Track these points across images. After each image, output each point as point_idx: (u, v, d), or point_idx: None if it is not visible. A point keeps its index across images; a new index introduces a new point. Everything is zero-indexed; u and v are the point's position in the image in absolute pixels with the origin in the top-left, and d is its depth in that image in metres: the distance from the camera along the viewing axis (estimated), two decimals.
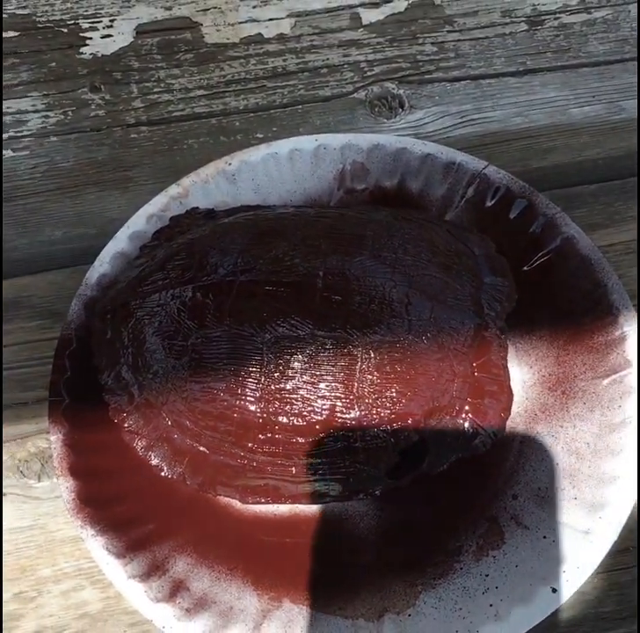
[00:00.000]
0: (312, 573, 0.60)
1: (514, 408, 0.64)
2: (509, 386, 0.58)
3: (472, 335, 0.58)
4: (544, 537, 0.59)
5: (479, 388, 0.58)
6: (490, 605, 0.56)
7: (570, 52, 0.84)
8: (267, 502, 0.59)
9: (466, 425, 0.57)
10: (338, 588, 0.59)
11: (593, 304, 0.66)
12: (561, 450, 0.62)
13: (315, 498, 0.58)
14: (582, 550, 0.57)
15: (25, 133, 0.82)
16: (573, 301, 0.67)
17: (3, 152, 0.80)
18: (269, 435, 0.56)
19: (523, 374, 0.67)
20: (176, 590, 0.58)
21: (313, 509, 0.62)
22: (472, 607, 0.57)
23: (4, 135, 0.81)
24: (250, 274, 0.58)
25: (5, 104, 0.83)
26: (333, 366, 0.55)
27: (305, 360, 0.55)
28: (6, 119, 0.82)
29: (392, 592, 0.58)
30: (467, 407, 0.57)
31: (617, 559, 0.61)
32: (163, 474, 0.59)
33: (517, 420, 0.64)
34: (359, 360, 0.55)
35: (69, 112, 0.83)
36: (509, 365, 0.64)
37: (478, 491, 0.62)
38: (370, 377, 0.55)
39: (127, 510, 0.61)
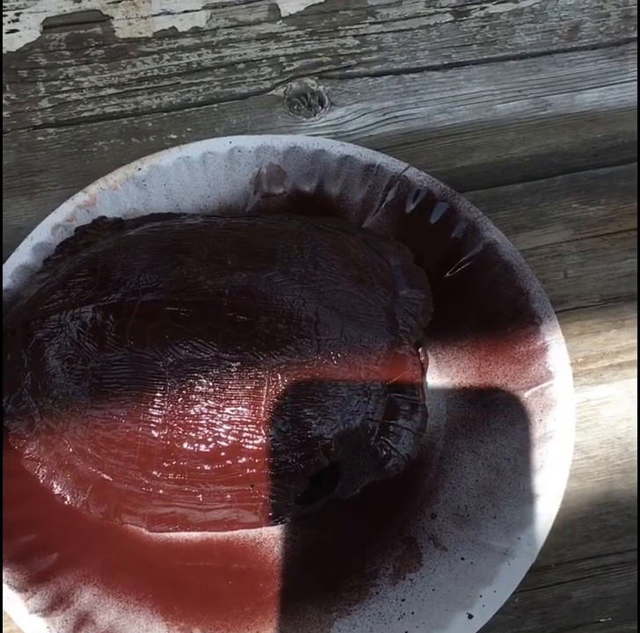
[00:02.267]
0: (225, 600, 0.59)
1: (434, 422, 0.63)
2: (424, 405, 0.57)
3: (385, 353, 0.57)
4: (462, 559, 0.58)
5: (392, 408, 0.56)
6: (406, 632, 0.56)
7: (497, 44, 0.83)
8: (175, 530, 0.57)
9: (379, 447, 0.56)
10: (252, 616, 0.58)
11: (515, 313, 0.65)
12: (481, 466, 0.62)
13: (224, 525, 0.57)
14: (500, 573, 0.57)
15: None
16: (495, 309, 0.66)
17: None
18: (174, 463, 0.55)
19: (444, 386, 0.66)
20: (80, 624, 0.56)
21: (226, 534, 0.61)
22: None
23: None
24: (152, 294, 0.56)
25: None
26: (239, 389, 0.54)
27: (209, 384, 0.54)
28: None
29: (306, 619, 0.57)
30: (379, 428, 0.56)
31: (538, 577, 0.61)
32: (66, 503, 0.58)
33: (437, 435, 0.64)
34: (265, 383, 0.54)
35: None
36: (430, 377, 0.63)
37: (395, 511, 0.61)
38: (277, 401, 0.54)
39: (32, 540, 0.59)
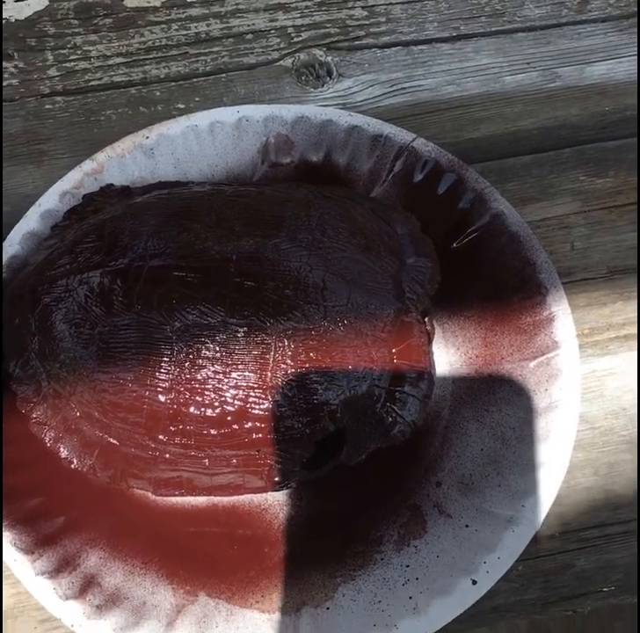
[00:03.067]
0: (230, 565, 0.59)
1: (440, 392, 0.64)
2: (430, 373, 0.57)
3: (392, 320, 0.57)
4: (467, 526, 0.58)
5: (398, 375, 0.57)
6: (410, 597, 0.56)
7: (505, 16, 0.82)
8: (181, 494, 0.58)
9: (384, 414, 0.56)
10: (256, 581, 0.58)
11: (522, 283, 0.65)
12: (486, 435, 0.62)
13: (230, 490, 0.57)
14: (504, 540, 0.57)
15: None
16: (502, 280, 0.66)
17: None
18: (180, 427, 0.55)
19: (450, 356, 0.66)
20: (87, 586, 0.57)
21: (232, 499, 0.61)
22: (391, 599, 0.56)
23: None
24: (159, 259, 0.56)
25: None
26: (246, 355, 0.54)
27: (216, 348, 0.54)
28: None
29: (311, 584, 0.58)
30: (385, 395, 0.56)
31: (542, 546, 0.61)
32: (72, 466, 0.58)
33: (442, 404, 0.64)
34: (272, 348, 0.54)
35: None
36: (436, 347, 0.63)
37: (400, 479, 0.62)
38: (284, 366, 0.54)
39: (38, 503, 0.60)
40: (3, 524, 0.57)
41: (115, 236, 0.59)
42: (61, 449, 0.58)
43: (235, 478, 0.57)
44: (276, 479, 0.57)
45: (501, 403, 0.62)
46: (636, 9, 0.82)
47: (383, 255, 0.59)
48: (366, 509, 0.61)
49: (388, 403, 0.56)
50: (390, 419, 0.56)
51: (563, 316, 0.63)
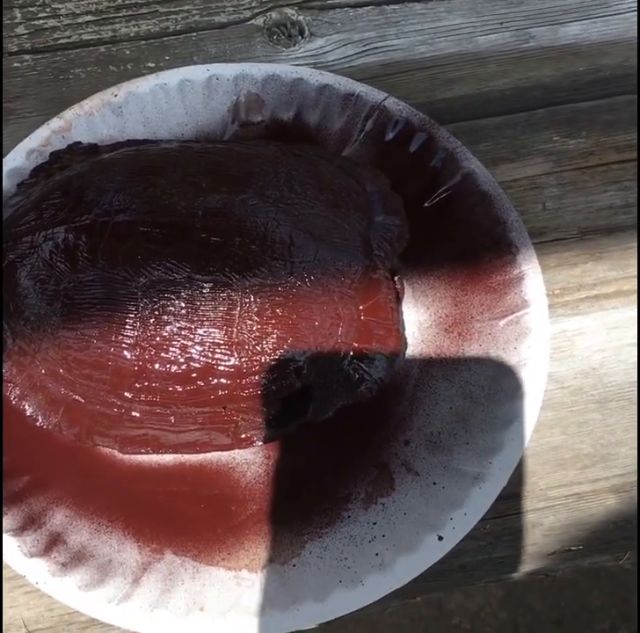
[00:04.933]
0: (197, 523, 0.59)
1: (409, 351, 0.63)
2: (398, 330, 0.57)
3: (359, 277, 0.57)
4: (434, 483, 0.59)
5: (366, 332, 0.57)
6: (376, 554, 0.56)
7: None
8: (147, 452, 0.57)
9: (351, 370, 0.56)
10: (223, 539, 0.58)
11: (492, 242, 0.65)
12: (455, 394, 0.62)
13: (197, 447, 0.57)
14: (471, 496, 0.57)
15: None
16: (473, 239, 0.66)
17: None
18: (145, 384, 0.55)
19: (420, 315, 0.65)
20: (52, 544, 0.57)
21: (199, 458, 0.61)
22: (358, 556, 0.56)
23: None
24: (125, 214, 0.56)
25: None
26: (212, 311, 0.54)
27: (182, 305, 0.54)
28: None
29: (277, 542, 0.58)
30: (352, 352, 0.56)
31: (509, 504, 0.61)
32: (38, 424, 0.58)
33: (412, 364, 0.64)
34: (238, 304, 0.54)
35: None
36: (405, 306, 0.63)
37: (369, 437, 0.61)
38: (250, 322, 0.54)
39: (3, 461, 0.59)
40: None
41: (81, 192, 0.58)
42: (26, 407, 0.58)
43: (201, 436, 0.57)
44: (242, 436, 0.56)
45: (470, 362, 0.62)
46: None
47: (351, 212, 0.59)
48: (334, 467, 0.61)
49: (355, 361, 0.56)
50: (357, 376, 0.56)
51: (532, 275, 0.63)
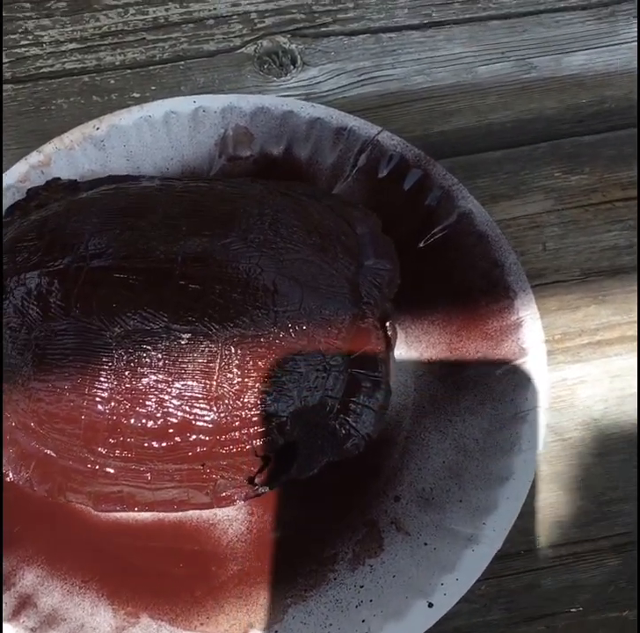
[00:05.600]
0: (175, 584, 0.57)
1: (401, 400, 0.62)
2: (387, 382, 0.55)
3: (347, 326, 0.55)
4: (425, 544, 0.56)
5: (353, 385, 0.54)
6: (363, 621, 0.54)
7: (480, 2, 0.80)
8: (123, 510, 0.55)
9: (337, 426, 0.54)
10: (202, 601, 0.56)
11: (489, 286, 0.63)
12: (449, 447, 0.60)
13: (174, 506, 0.55)
14: (463, 559, 0.55)
15: None
16: (469, 282, 0.64)
17: None
18: (120, 439, 0.53)
19: (413, 362, 0.63)
20: (21, 607, 0.55)
21: (178, 514, 0.59)
22: (343, 622, 0.54)
23: None
24: (100, 259, 0.54)
25: None
26: (190, 363, 0.51)
27: (159, 356, 0.51)
28: None
29: (259, 605, 0.56)
30: (339, 406, 0.54)
31: (505, 565, 0.59)
32: (8, 479, 0.56)
33: (404, 414, 0.62)
34: (218, 356, 0.52)
35: None
36: (398, 352, 0.62)
37: (357, 493, 0.59)
38: (230, 375, 0.52)
39: None
40: None
41: (56, 234, 0.56)
42: None
43: (179, 494, 0.55)
44: (222, 495, 0.54)
45: (465, 413, 0.60)
46: None
47: (340, 256, 0.57)
48: (320, 525, 0.58)
49: (341, 415, 0.54)
50: (344, 432, 0.54)
51: (531, 322, 0.61)
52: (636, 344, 0.65)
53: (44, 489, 0.55)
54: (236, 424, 0.52)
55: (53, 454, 0.54)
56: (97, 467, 0.54)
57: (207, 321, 0.52)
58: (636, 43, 0.77)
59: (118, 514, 0.59)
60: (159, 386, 0.52)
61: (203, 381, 0.52)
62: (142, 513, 0.59)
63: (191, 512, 0.59)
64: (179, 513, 0.59)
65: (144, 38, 0.79)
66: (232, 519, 0.59)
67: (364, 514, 0.58)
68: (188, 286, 0.52)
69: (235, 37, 0.79)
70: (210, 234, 0.55)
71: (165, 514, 0.59)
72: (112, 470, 0.54)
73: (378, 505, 0.59)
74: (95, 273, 0.53)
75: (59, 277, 0.54)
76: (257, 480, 0.54)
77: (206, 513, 0.59)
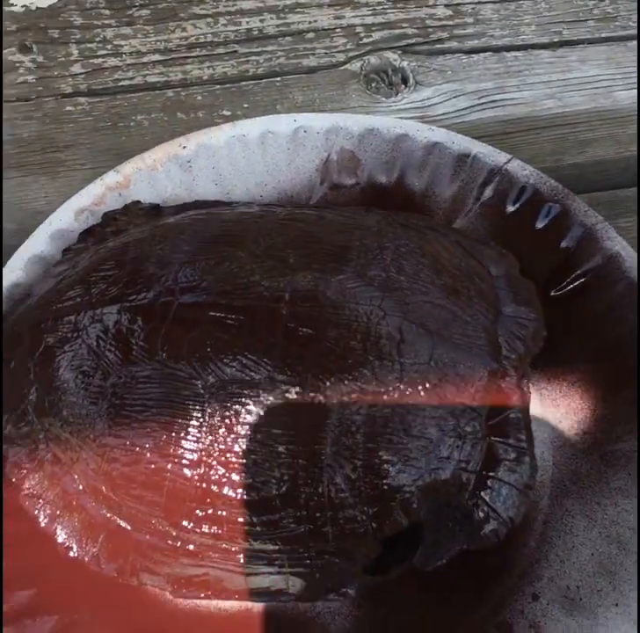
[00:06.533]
0: None
1: (538, 476, 0.54)
2: (533, 454, 0.48)
3: (485, 385, 0.48)
4: None
5: (492, 456, 0.47)
6: None
7: (618, 20, 0.77)
8: (207, 597, 0.49)
9: (473, 506, 0.47)
10: None
11: None
12: (598, 536, 0.52)
13: (269, 595, 0.48)
14: None
15: None
16: (616, 337, 0.57)
17: None
18: (210, 511, 0.46)
19: (550, 431, 0.57)
20: None
21: (270, 604, 0.52)
22: None
23: None
24: (192, 294, 0.48)
25: None
26: (297, 422, 0.45)
27: (260, 413, 0.45)
28: None
29: None
30: (475, 482, 0.47)
31: None
32: (71, 554, 0.49)
33: (541, 493, 0.55)
34: (331, 415, 0.45)
35: None
36: (531, 419, 0.53)
37: (487, 588, 0.52)
38: (345, 440, 0.45)
39: (28, 596, 0.51)
40: None
41: (139, 264, 0.51)
42: (59, 531, 0.50)
43: (277, 581, 0.48)
44: (329, 585, 0.47)
45: (617, 496, 0.53)
46: None
47: (474, 301, 0.50)
48: (442, 625, 0.51)
49: (478, 492, 0.47)
50: (481, 514, 0.47)
51: None
52: None
53: (114, 568, 0.49)
54: (352, 499, 0.45)
55: (127, 526, 0.49)
56: (179, 544, 0.48)
57: (320, 372, 0.45)
58: None
59: (198, 601, 0.52)
60: (259, 449, 0.45)
61: (313, 445, 0.45)
62: (229, 601, 0.52)
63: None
64: (271, 603, 0.52)
65: (236, 51, 0.77)
66: (334, 612, 0.52)
67: (496, 614, 0.51)
68: (298, 329, 0.46)
69: (338, 52, 0.76)
70: (322, 268, 0.49)
71: (254, 603, 0.52)
72: (197, 549, 0.48)
73: (513, 604, 0.51)
74: (186, 311, 0.48)
75: (143, 313, 0.48)
76: (372, 568, 0.47)
77: (303, 604, 0.52)
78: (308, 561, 0.46)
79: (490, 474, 0.47)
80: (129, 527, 0.48)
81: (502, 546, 0.51)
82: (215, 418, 0.45)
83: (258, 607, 0.52)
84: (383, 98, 0.72)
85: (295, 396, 0.45)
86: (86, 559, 0.49)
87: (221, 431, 0.45)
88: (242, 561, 0.47)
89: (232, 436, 0.45)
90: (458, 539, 0.46)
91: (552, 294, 0.59)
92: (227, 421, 0.45)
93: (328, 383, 0.45)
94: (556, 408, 0.57)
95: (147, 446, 0.46)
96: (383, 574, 0.47)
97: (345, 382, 0.45)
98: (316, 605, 0.52)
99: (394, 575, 0.48)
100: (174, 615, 0.52)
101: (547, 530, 0.53)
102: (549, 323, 0.55)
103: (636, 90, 0.71)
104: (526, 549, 0.52)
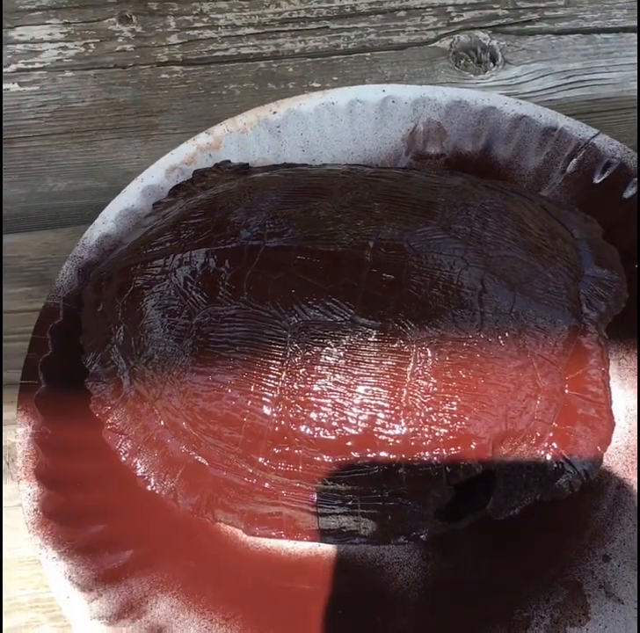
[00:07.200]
0: None
1: (613, 442, 0.53)
2: (610, 411, 0.48)
3: (565, 340, 0.47)
4: None
5: (570, 410, 0.47)
6: None
7: None
8: (279, 536, 0.49)
9: (549, 457, 0.47)
10: None
11: None
12: None
13: (340, 536, 0.48)
14: None
15: (36, 65, 0.75)
16: None
17: (9, 86, 0.73)
18: (286, 449, 0.47)
19: (627, 399, 0.56)
20: None
21: (339, 549, 0.53)
22: None
23: (12, 67, 0.73)
24: (279, 239, 0.49)
25: (18, 30, 0.75)
26: (377, 365, 0.45)
27: (341, 354, 0.45)
28: (17, 47, 0.75)
29: None
30: (551, 434, 0.47)
31: None
32: (149, 488, 0.50)
33: (615, 458, 0.54)
34: (411, 359, 0.45)
35: (91, 45, 0.76)
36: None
37: (557, 547, 0.51)
38: (424, 383, 0.45)
39: (103, 530, 0.52)
40: (59, 551, 0.49)
41: (227, 212, 0.52)
42: (138, 465, 0.51)
43: (348, 522, 0.48)
44: (401, 528, 0.47)
45: None
46: None
47: (557, 259, 0.50)
48: (511, 581, 0.51)
49: (553, 445, 0.46)
50: (556, 466, 0.46)
51: None
52: None
53: (190, 503, 0.50)
54: (427, 442, 0.45)
55: (205, 461, 0.49)
56: (254, 481, 0.48)
57: (402, 317, 0.46)
58: None
59: (268, 544, 0.53)
60: (338, 389, 0.46)
61: (391, 387, 0.45)
62: (298, 544, 0.52)
63: (354, 549, 0.52)
64: (340, 549, 0.52)
65: (328, 26, 0.77)
66: (403, 562, 0.52)
67: (565, 573, 0.50)
68: (381, 275, 0.47)
69: (428, 30, 0.76)
70: (407, 220, 0.50)
71: (325, 549, 0.52)
72: (272, 487, 0.48)
73: (583, 564, 0.51)
74: (272, 254, 0.48)
75: (230, 256, 0.49)
76: (443, 514, 0.47)
77: (372, 552, 0.52)
78: (380, 502, 0.47)
79: (567, 426, 0.46)
80: (207, 463, 0.49)
81: (575, 507, 0.51)
82: (296, 358, 0.46)
83: (327, 553, 0.52)
84: (471, 75, 0.73)
85: (376, 339, 0.45)
86: (163, 494, 0.50)
87: (302, 370, 0.46)
88: (316, 500, 0.47)
89: (312, 376, 0.45)
90: (531, 489, 0.46)
91: (636, 266, 0.58)
92: (308, 361, 0.45)
93: (409, 328, 0.45)
94: (634, 376, 0.56)
95: (228, 382, 0.46)
96: (456, 523, 0.47)
97: (426, 327, 0.45)
98: (385, 555, 0.52)
99: (464, 524, 0.47)
100: (245, 558, 0.52)
101: (620, 494, 0.52)
102: (632, 293, 0.55)
103: None
104: (598, 512, 0.52)
